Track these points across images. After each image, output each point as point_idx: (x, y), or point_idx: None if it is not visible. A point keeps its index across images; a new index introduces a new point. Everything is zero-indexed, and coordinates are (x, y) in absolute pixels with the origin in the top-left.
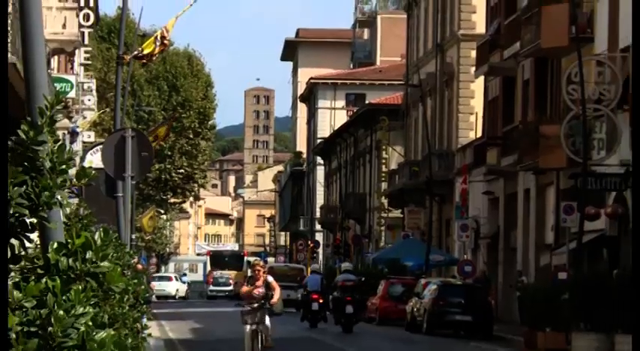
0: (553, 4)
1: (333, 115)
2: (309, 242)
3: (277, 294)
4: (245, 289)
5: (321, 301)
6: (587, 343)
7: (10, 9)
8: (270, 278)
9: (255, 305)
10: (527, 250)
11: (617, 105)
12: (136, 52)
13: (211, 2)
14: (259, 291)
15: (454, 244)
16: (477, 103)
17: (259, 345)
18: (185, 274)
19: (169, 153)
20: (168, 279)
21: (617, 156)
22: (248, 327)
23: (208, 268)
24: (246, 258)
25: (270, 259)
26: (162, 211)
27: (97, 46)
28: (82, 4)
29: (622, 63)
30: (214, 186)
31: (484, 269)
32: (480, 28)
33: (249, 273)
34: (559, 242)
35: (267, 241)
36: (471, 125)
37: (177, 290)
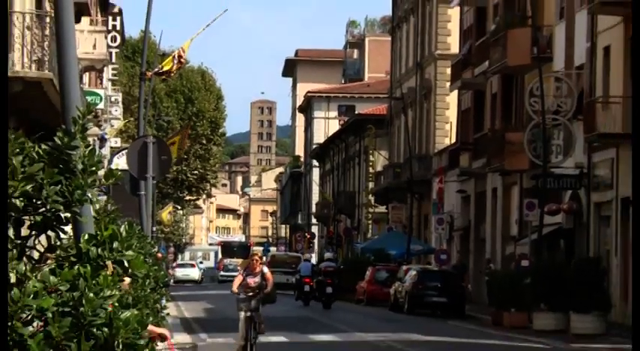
0: (517, 28)
1: (327, 124)
2: (306, 234)
3: (271, 284)
4: (238, 279)
5: (311, 283)
6: (546, 322)
7: (47, 32)
8: (266, 269)
9: (251, 294)
10: (494, 241)
11: (573, 115)
12: (156, 69)
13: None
14: (255, 281)
15: (431, 236)
16: (452, 114)
17: (252, 331)
18: (202, 262)
19: (185, 157)
20: (192, 266)
21: (573, 159)
22: (242, 313)
23: (219, 256)
24: (252, 248)
25: (273, 249)
26: (179, 207)
27: (123, 64)
28: (110, 27)
29: (577, 79)
30: (224, 185)
31: (458, 258)
32: (454, 48)
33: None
34: (522, 234)
35: (269, 233)
36: (446, 133)
37: (199, 275)
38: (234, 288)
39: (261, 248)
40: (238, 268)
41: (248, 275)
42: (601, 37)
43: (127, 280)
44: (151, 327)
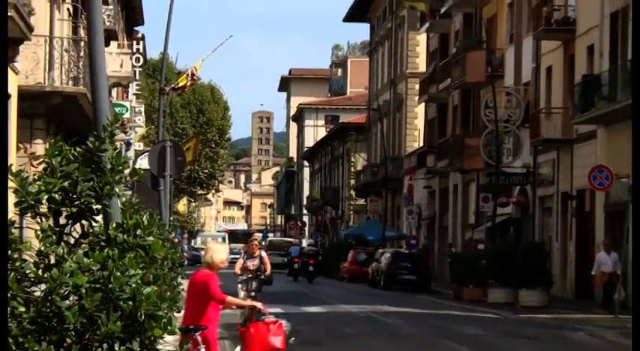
0: (474, 51)
1: (315, 131)
2: (298, 222)
3: (269, 268)
4: (239, 263)
5: (299, 263)
6: (498, 296)
7: (82, 53)
8: (264, 253)
9: (250, 275)
10: (455, 228)
11: (521, 124)
12: (173, 85)
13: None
14: (254, 264)
15: (403, 224)
16: (420, 122)
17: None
18: None
19: (198, 158)
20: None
21: (521, 160)
22: (243, 294)
23: (226, 241)
24: (253, 234)
25: (270, 235)
26: (192, 200)
27: (145, 80)
28: (134, 50)
29: (524, 93)
30: (230, 182)
31: (425, 243)
32: (422, 68)
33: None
34: (478, 222)
35: (268, 222)
36: (415, 138)
37: None
38: (237, 270)
39: (261, 235)
40: (241, 251)
41: (248, 258)
42: (544, 58)
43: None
44: (237, 300)
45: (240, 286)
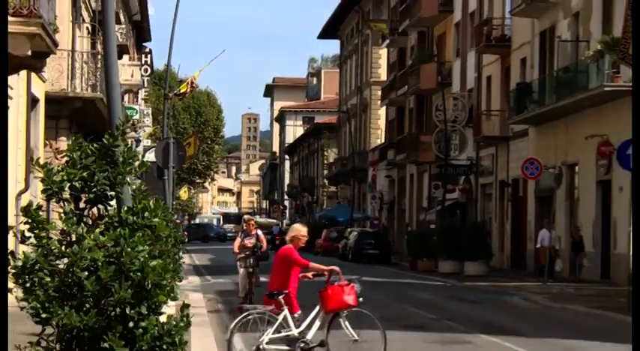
0: (427, 63)
1: (294, 130)
2: (280, 206)
3: (265, 245)
4: (237, 242)
5: (280, 239)
6: (447, 266)
7: (99, 65)
8: (260, 232)
9: (248, 253)
10: (411, 210)
11: (465, 124)
12: (175, 92)
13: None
14: (251, 242)
15: (367, 207)
16: (382, 122)
17: (250, 284)
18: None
19: (196, 152)
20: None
21: (465, 154)
22: (243, 270)
23: (221, 222)
24: (243, 217)
25: (257, 217)
26: (192, 188)
27: (152, 87)
28: (143, 62)
29: (468, 98)
30: (223, 172)
31: (385, 223)
32: (383, 77)
33: (243, 227)
34: (430, 206)
35: (255, 206)
36: (378, 136)
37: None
38: (235, 249)
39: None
40: (233, 230)
41: (245, 237)
42: (485, 69)
43: None
44: (318, 265)
45: (239, 262)
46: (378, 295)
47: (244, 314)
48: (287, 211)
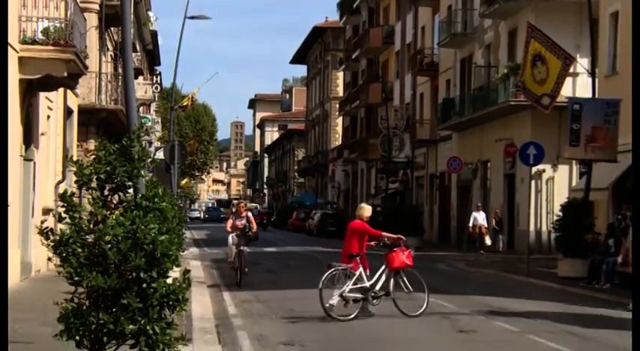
0: (374, 82)
1: (272, 135)
2: (261, 194)
3: (255, 226)
4: (229, 222)
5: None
6: (388, 241)
7: (120, 83)
8: (250, 214)
9: (239, 233)
10: (362, 197)
11: (404, 130)
12: (179, 105)
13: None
14: (242, 223)
15: (328, 194)
16: (339, 129)
17: (241, 261)
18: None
19: (195, 152)
20: (199, 211)
21: (403, 153)
22: (234, 248)
23: (216, 205)
24: (232, 201)
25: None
26: (192, 179)
27: (161, 101)
28: (154, 82)
29: (406, 110)
30: (216, 167)
31: (342, 206)
32: (340, 93)
33: (233, 210)
34: (377, 193)
35: (241, 193)
36: (337, 139)
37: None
38: (228, 228)
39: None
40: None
41: (236, 219)
42: (418, 87)
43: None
44: (388, 234)
45: (230, 241)
46: (335, 261)
47: (332, 270)
48: (266, 197)
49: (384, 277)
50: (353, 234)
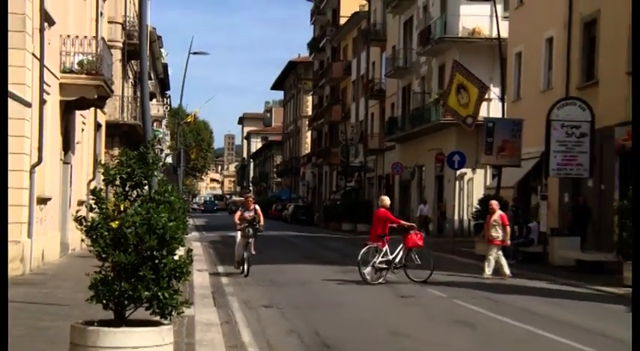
0: (335, 105)
1: (256, 144)
2: (248, 190)
3: (262, 219)
4: (237, 214)
5: None
6: (347, 227)
7: (138, 104)
8: (257, 207)
9: (247, 224)
10: (327, 193)
11: (358, 141)
12: (184, 121)
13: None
14: (250, 215)
15: (300, 190)
16: (308, 140)
17: (247, 252)
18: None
19: (196, 158)
20: (198, 204)
21: (358, 160)
22: (240, 239)
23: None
24: (225, 196)
25: (233, 197)
26: (194, 178)
27: (170, 118)
28: (164, 103)
29: (361, 126)
30: (213, 169)
31: (311, 200)
32: (310, 113)
33: (229, 204)
34: (338, 190)
35: (232, 190)
36: (307, 148)
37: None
38: (236, 219)
39: (229, 196)
40: (218, 205)
41: (245, 211)
42: (370, 109)
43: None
44: (403, 222)
45: (239, 232)
46: (305, 243)
47: (367, 247)
48: (251, 192)
49: (401, 253)
50: (378, 220)
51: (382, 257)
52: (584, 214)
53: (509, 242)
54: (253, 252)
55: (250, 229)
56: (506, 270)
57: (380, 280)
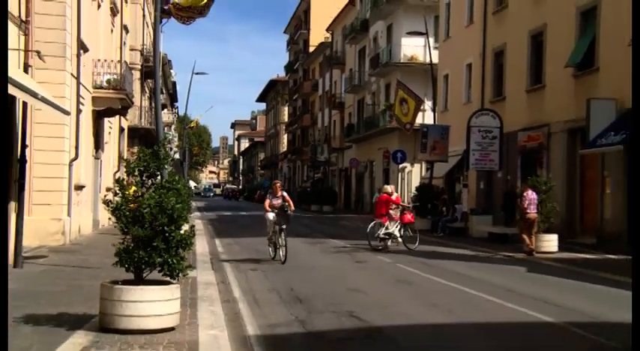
0: (305, 114)
1: (246, 145)
2: (238, 180)
3: (292, 204)
4: (267, 202)
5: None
6: (315, 208)
7: (153, 112)
8: (285, 193)
9: (277, 211)
10: (299, 181)
11: (324, 141)
12: (189, 126)
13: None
14: (278, 202)
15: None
16: (285, 142)
17: (280, 239)
18: (205, 189)
19: (198, 154)
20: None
21: (324, 156)
22: (272, 227)
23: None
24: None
25: (227, 185)
26: (196, 170)
27: (177, 124)
28: (173, 112)
29: (325, 130)
30: (211, 163)
31: (286, 187)
32: (286, 119)
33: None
34: (308, 179)
35: (226, 179)
36: (284, 147)
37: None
38: (266, 207)
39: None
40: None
41: (273, 198)
42: (333, 117)
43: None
44: (403, 203)
45: (270, 218)
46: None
47: (373, 222)
48: (240, 181)
49: (398, 227)
50: (381, 203)
51: (384, 229)
52: (511, 198)
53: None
54: (285, 243)
55: (280, 218)
56: (391, 241)
57: (379, 247)
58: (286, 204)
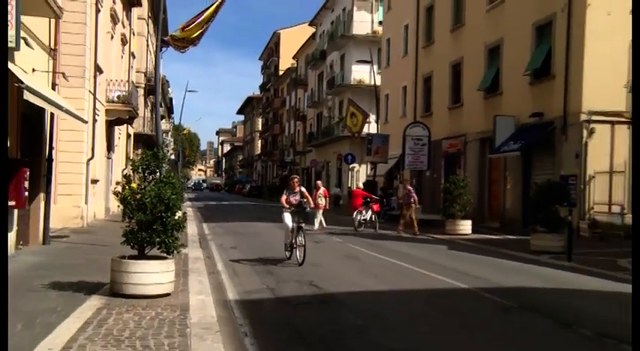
0: (276, 124)
1: (228, 148)
2: (221, 176)
3: (311, 200)
4: (283, 197)
5: (218, 188)
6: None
7: (153, 121)
8: (303, 189)
9: (294, 209)
10: (270, 178)
11: (290, 146)
12: (182, 133)
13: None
14: (296, 199)
15: (254, 177)
16: (259, 146)
17: (298, 238)
18: (195, 183)
19: (189, 156)
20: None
21: (290, 158)
22: (291, 224)
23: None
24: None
25: (216, 179)
26: (187, 169)
27: (174, 130)
28: (170, 121)
29: (291, 137)
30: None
31: (261, 183)
32: (260, 128)
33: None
34: (277, 176)
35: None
36: (258, 150)
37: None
38: (283, 203)
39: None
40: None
41: (290, 194)
42: (297, 127)
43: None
44: (373, 196)
45: (287, 220)
46: (257, 209)
47: (356, 211)
48: (223, 177)
49: (370, 213)
50: (356, 196)
51: (363, 215)
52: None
53: (327, 207)
54: (303, 242)
55: (297, 215)
56: (319, 225)
57: (360, 229)
58: (304, 200)
